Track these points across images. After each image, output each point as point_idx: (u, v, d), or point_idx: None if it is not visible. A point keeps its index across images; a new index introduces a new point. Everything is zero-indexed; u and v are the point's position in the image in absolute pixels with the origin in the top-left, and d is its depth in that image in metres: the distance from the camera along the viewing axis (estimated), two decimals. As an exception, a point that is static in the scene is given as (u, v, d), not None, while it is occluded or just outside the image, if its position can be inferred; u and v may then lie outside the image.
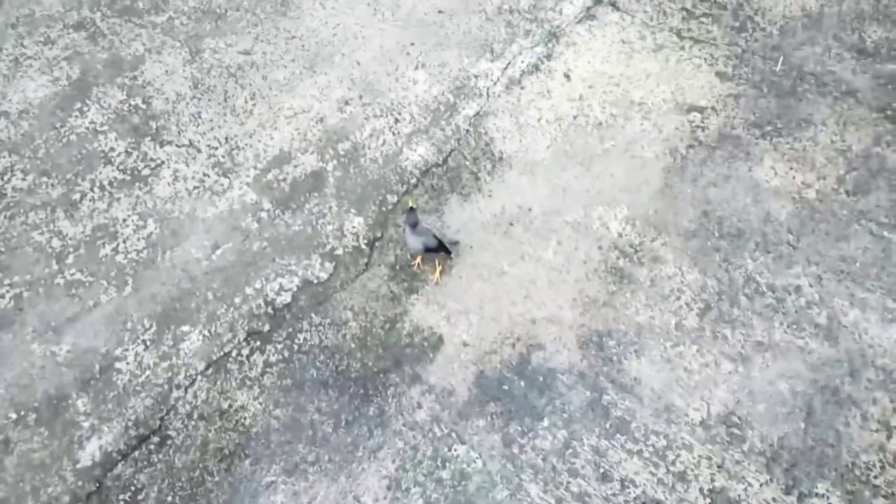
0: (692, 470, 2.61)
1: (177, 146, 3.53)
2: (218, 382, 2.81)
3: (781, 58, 3.76)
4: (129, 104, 3.70)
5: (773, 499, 2.54)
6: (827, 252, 3.09)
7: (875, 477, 2.58)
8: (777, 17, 3.96)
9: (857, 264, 3.05)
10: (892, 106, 3.52)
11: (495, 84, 3.73)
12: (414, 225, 2.86)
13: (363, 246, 3.18)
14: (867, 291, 2.98)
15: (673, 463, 2.63)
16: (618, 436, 2.69)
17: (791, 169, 3.35)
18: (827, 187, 3.28)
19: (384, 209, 3.29)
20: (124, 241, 3.21)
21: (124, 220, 3.27)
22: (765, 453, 2.64)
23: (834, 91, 3.60)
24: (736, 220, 3.21)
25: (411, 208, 2.83)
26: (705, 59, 3.79)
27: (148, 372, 2.84)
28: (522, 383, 2.81)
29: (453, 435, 2.70)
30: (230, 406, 2.76)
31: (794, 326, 2.91)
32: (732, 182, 3.32)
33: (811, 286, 3.01)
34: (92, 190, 3.37)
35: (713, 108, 3.59)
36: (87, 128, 3.61)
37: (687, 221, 3.22)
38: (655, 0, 4.07)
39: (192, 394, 2.79)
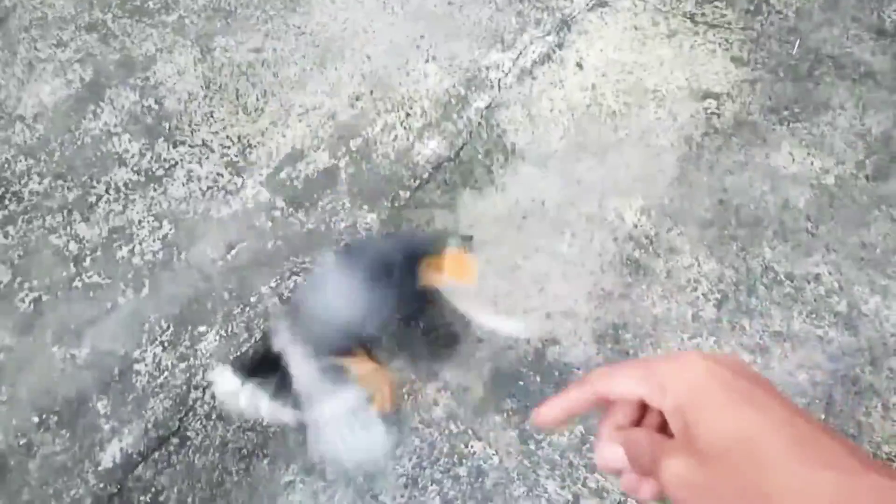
0: (711, 463, 2.58)
1: (190, 146, 3.55)
2: (235, 382, 2.83)
3: (798, 41, 3.68)
4: (142, 105, 3.71)
5: (794, 491, 2.52)
6: (846, 239, 3.04)
7: (898, 468, 2.54)
8: (793, 0, 3.88)
9: (878, 251, 3.00)
10: (912, 87, 3.44)
11: (507, 75, 3.69)
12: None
13: (377, 242, 3.18)
14: (888, 278, 2.93)
15: (691, 456, 2.61)
16: (635, 430, 2.67)
17: (809, 154, 3.29)
18: (846, 172, 3.22)
19: (396, 204, 3.28)
20: (140, 243, 3.23)
21: (140, 222, 3.29)
22: (785, 445, 2.61)
23: (852, 73, 3.53)
24: (753, 209, 3.16)
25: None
26: (720, 44, 3.72)
27: (166, 373, 2.86)
28: (538, 378, 2.80)
29: (469, 432, 2.70)
30: (248, 406, 2.78)
31: (814, 315, 2.87)
32: (749, 169, 3.27)
33: (830, 274, 2.96)
34: (107, 192, 3.40)
35: (728, 94, 3.53)
36: (101, 130, 3.63)
37: (703, 210, 3.18)
38: (668, -16, 4.01)
39: (210, 394, 2.81)
